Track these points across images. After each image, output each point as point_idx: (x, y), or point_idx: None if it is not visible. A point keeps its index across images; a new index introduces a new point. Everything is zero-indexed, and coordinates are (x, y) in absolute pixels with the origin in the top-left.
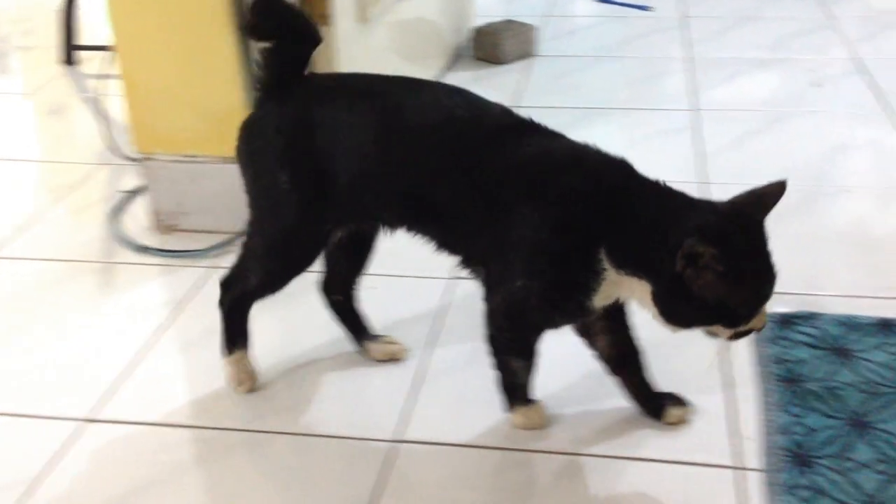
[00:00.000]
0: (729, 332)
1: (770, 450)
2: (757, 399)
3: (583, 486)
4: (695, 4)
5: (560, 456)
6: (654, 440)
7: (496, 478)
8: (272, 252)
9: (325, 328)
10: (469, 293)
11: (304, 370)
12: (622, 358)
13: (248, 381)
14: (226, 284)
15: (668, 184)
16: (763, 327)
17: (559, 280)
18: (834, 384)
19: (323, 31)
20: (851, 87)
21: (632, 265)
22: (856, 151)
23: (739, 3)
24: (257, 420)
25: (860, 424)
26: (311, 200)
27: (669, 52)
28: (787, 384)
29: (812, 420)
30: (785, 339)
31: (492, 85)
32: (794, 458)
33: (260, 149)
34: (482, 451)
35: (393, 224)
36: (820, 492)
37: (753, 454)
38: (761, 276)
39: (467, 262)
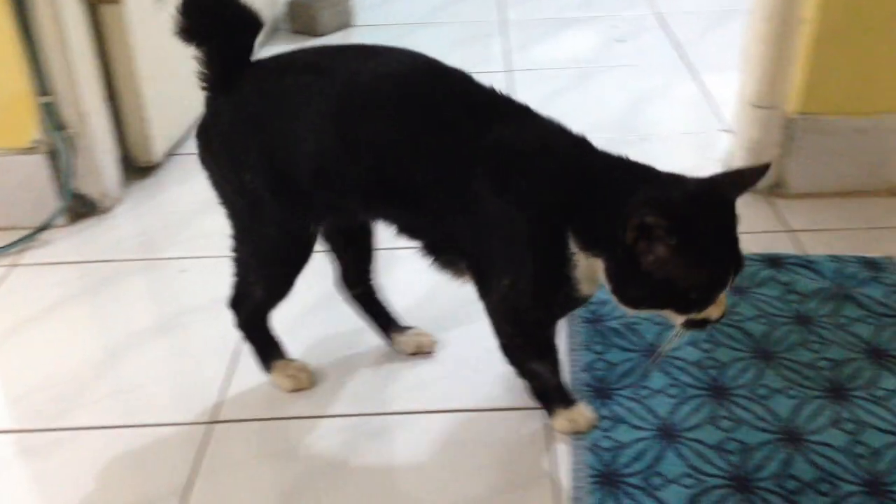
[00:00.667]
0: (681, 318)
1: (575, 387)
2: (564, 341)
3: (392, 443)
4: None
5: (373, 417)
6: (465, 392)
7: (310, 448)
8: (265, 259)
9: (139, 316)
10: None
11: (115, 360)
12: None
13: (302, 376)
14: (234, 305)
15: (632, 158)
16: (721, 318)
17: (541, 270)
18: (633, 320)
19: (111, 9)
20: (653, 41)
21: (593, 244)
22: (657, 101)
23: None
24: (64, 417)
25: (654, 355)
26: (283, 196)
27: (485, 16)
28: (590, 324)
29: (612, 355)
30: None
31: None
32: (596, 391)
33: (218, 151)
34: (295, 422)
35: (358, 213)
36: (619, 420)
37: None
38: (718, 259)
39: (431, 249)
